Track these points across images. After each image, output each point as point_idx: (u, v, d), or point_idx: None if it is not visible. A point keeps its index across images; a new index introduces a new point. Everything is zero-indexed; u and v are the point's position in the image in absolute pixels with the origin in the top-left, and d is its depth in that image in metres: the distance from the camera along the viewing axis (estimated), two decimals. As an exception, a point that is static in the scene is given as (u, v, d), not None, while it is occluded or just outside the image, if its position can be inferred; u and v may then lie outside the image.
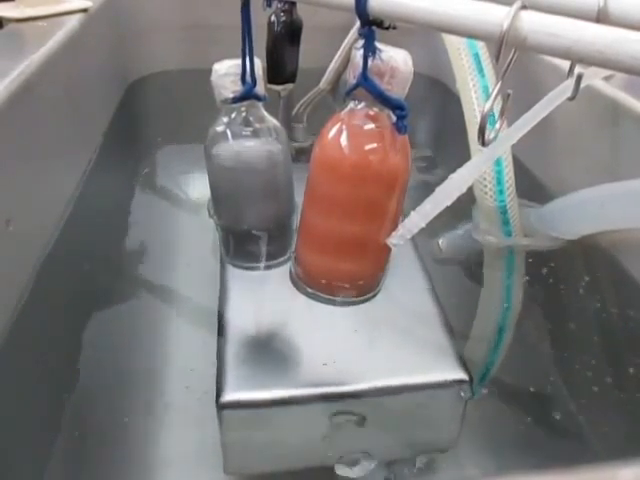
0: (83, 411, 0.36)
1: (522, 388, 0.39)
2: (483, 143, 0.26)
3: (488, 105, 0.25)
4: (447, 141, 0.71)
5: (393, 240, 0.32)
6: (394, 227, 0.32)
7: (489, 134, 0.27)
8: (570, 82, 0.32)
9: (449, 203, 0.31)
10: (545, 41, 0.22)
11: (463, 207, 0.51)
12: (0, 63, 0.45)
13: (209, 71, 0.36)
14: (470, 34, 0.24)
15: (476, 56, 0.50)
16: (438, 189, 0.31)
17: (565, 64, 0.29)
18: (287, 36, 0.54)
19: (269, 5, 0.35)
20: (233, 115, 0.37)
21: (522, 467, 0.33)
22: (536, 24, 0.22)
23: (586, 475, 0.19)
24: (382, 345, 0.35)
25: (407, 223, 0.31)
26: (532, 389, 0.38)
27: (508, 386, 0.39)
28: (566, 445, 0.35)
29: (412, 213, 0.31)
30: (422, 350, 0.34)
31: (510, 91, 0.27)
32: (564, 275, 0.47)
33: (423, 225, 0.31)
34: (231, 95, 0.36)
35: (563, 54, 0.22)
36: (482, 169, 0.31)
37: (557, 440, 0.35)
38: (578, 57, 0.22)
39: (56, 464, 0.33)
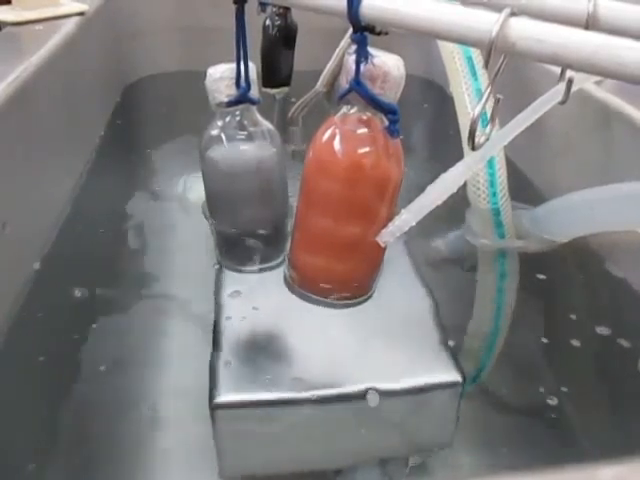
0: (81, 413, 0.36)
1: (515, 389, 0.39)
2: (473, 147, 0.27)
3: (478, 110, 0.25)
4: (442, 142, 0.71)
5: (383, 237, 0.32)
6: (387, 229, 0.33)
7: (479, 138, 0.27)
8: (561, 86, 0.32)
9: (440, 202, 0.31)
10: (534, 47, 0.23)
11: (457, 209, 0.52)
12: (-3, 66, 0.45)
13: (206, 73, 0.37)
14: (460, 40, 0.24)
15: (469, 59, 0.50)
16: (429, 188, 0.31)
17: (557, 68, 0.29)
18: (282, 40, 0.54)
19: (264, 10, 0.36)
20: (228, 119, 0.37)
21: (515, 466, 0.33)
22: (525, 30, 0.23)
23: (566, 474, 0.19)
24: (376, 347, 0.35)
25: (397, 221, 0.32)
26: (525, 390, 0.38)
27: (501, 387, 0.39)
28: (560, 445, 0.35)
29: (403, 211, 0.32)
30: (416, 352, 0.34)
31: (500, 96, 0.27)
32: (556, 276, 0.47)
33: (413, 223, 0.31)
34: (225, 99, 0.36)
35: (551, 60, 0.23)
36: (473, 169, 0.31)
37: (550, 440, 0.35)
38: (566, 63, 0.22)
39: (53, 465, 0.33)
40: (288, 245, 0.38)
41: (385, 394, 0.32)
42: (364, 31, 0.27)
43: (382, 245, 0.33)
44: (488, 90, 0.26)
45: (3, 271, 0.40)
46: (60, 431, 0.35)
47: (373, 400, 0.32)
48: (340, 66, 0.53)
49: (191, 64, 0.80)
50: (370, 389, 0.32)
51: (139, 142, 0.71)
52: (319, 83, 0.56)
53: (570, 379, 0.39)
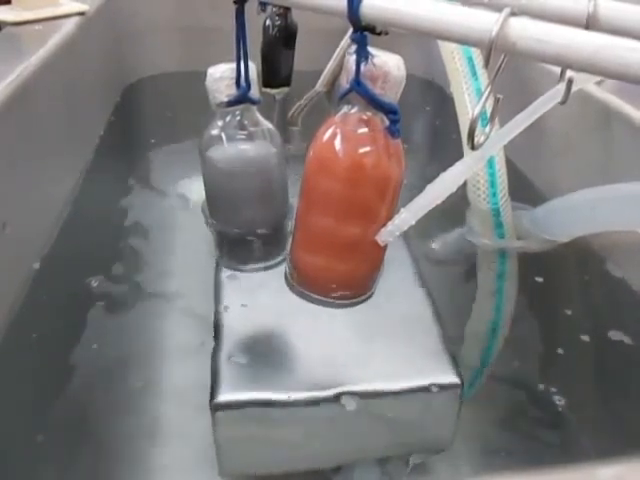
0: (79, 415, 0.36)
1: (515, 389, 0.39)
2: (473, 147, 0.27)
3: (477, 109, 0.25)
4: (442, 142, 0.71)
5: (382, 236, 0.32)
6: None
7: (479, 138, 0.27)
8: (561, 86, 0.32)
9: (440, 201, 0.31)
10: (534, 47, 0.23)
11: (457, 209, 0.52)
12: (-3, 66, 0.45)
13: (206, 73, 0.37)
14: (460, 40, 0.24)
15: (470, 60, 0.50)
16: (429, 187, 0.31)
17: (558, 68, 0.29)
18: (282, 40, 0.54)
19: (264, 10, 0.35)
20: (228, 118, 0.37)
21: (514, 467, 0.33)
22: (525, 30, 0.23)
23: (565, 475, 0.19)
24: (376, 347, 0.35)
25: (397, 220, 0.32)
26: (524, 390, 0.38)
27: (501, 387, 0.39)
28: (559, 445, 0.35)
29: (402, 210, 0.32)
30: (415, 353, 0.34)
31: (500, 95, 0.27)
32: (556, 277, 0.47)
33: (413, 222, 0.31)
34: (226, 99, 0.36)
35: (551, 60, 0.23)
36: (473, 169, 0.31)
37: (550, 440, 0.35)
38: (566, 63, 0.22)
39: (53, 463, 0.33)
40: (288, 244, 0.38)
41: (384, 395, 0.32)
42: (364, 31, 0.27)
43: (381, 244, 0.33)
44: (488, 90, 0.26)
45: (3, 271, 0.40)
46: (56, 432, 0.35)
47: (349, 404, 0.32)
48: (340, 66, 0.53)
49: (191, 64, 0.80)
50: (344, 393, 0.32)
51: (139, 142, 0.71)
52: (319, 83, 0.57)
53: (570, 379, 0.39)
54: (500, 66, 0.25)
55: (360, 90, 0.29)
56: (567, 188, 0.46)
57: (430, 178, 0.31)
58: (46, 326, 0.41)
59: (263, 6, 0.36)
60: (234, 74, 0.35)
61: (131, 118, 0.77)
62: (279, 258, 0.40)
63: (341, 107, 0.32)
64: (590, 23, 0.27)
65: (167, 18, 0.84)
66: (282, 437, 0.33)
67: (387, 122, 0.31)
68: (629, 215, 0.41)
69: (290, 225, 0.39)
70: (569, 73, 0.30)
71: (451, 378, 0.33)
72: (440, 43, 0.53)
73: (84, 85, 0.62)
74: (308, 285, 0.36)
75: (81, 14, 0.62)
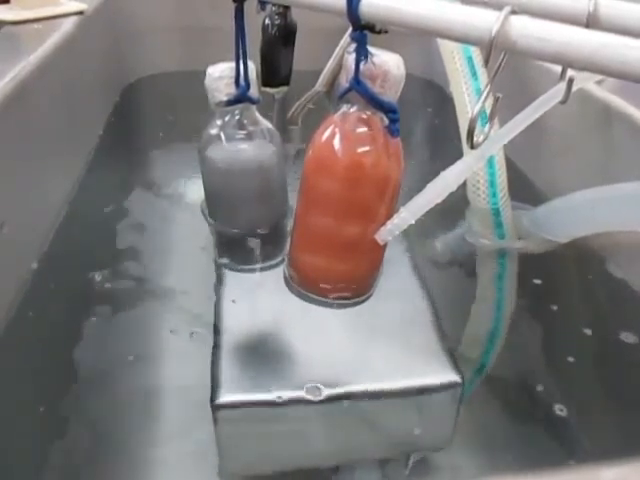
0: (79, 414, 0.36)
1: (514, 389, 0.39)
2: (472, 146, 0.26)
3: (477, 108, 0.25)
4: (442, 142, 0.71)
5: (381, 235, 0.32)
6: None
7: (478, 137, 0.27)
8: (562, 86, 0.32)
9: (439, 201, 0.31)
10: (534, 45, 0.22)
11: (457, 209, 0.51)
12: (-5, 65, 0.45)
13: (205, 73, 0.37)
14: (460, 38, 0.24)
15: (469, 59, 0.50)
16: (429, 186, 0.31)
17: (558, 68, 0.29)
18: (281, 39, 0.54)
19: (263, 9, 0.35)
20: (227, 118, 0.37)
21: (513, 467, 0.33)
22: (526, 29, 0.23)
23: (568, 476, 0.19)
24: (375, 347, 0.35)
25: (396, 219, 0.31)
26: (524, 390, 0.38)
27: (501, 387, 0.39)
28: (558, 446, 0.35)
29: (401, 209, 0.32)
30: (415, 352, 0.34)
31: (500, 94, 0.27)
32: (556, 277, 0.47)
33: (412, 221, 0.31)
34: (225, 98, 0.36)
35: (552, 58, 0.22)
36: (473, 168, 0.31)
37: (549, 440, 0.35)
38: (567, 61, 0.22)
39: (53, 462, 0.33)
40: (288, 244, 0.38)
41: (384, 394, 0.32)
42: (364, 29, 0.27)
43: (380, 243, 0.33)
44: (487, 89, 0.26)
45: (1, 271, 0.40)
46: (55, 433, 0.35)
47: (315, 394, 0.32)
48: (340, 65, 0.53)
49: (191, 64, 0.80)
50: (314, 386, 0.32)
51: (138, 142, 0.71)
52: (319, 82, 0.56)
53: (572, 378, 0.39)
54: (500, 65, 0.25)
55: (359, 89, 0.29)
56: (567, 188, 0.46)
57: (429, 177, 0.31)
58: (44, 326, 0.40)
59: (262, 5, 0.36)
60: (233, 73, 0.35)
61: (130, 118, 0.77)
62: (279, 258, 0.40)
63: (340, 106, 0.32)
64: (590, 21, 0.27)
65: (167, 18, 0.84)
66: (283, 436, 0.33)
67: (386, 121, 0.31)
68: (629, 215, 0.41)
69: (289, 225, 0.39)
70: (569, 72, 0.30)
71: (451, 376, 0.33)
72: (440, 42, 0.53)
73: (83, 85, 0.62)
74: (307, 285, 0.36)
75: (80, 13, 0.62)
